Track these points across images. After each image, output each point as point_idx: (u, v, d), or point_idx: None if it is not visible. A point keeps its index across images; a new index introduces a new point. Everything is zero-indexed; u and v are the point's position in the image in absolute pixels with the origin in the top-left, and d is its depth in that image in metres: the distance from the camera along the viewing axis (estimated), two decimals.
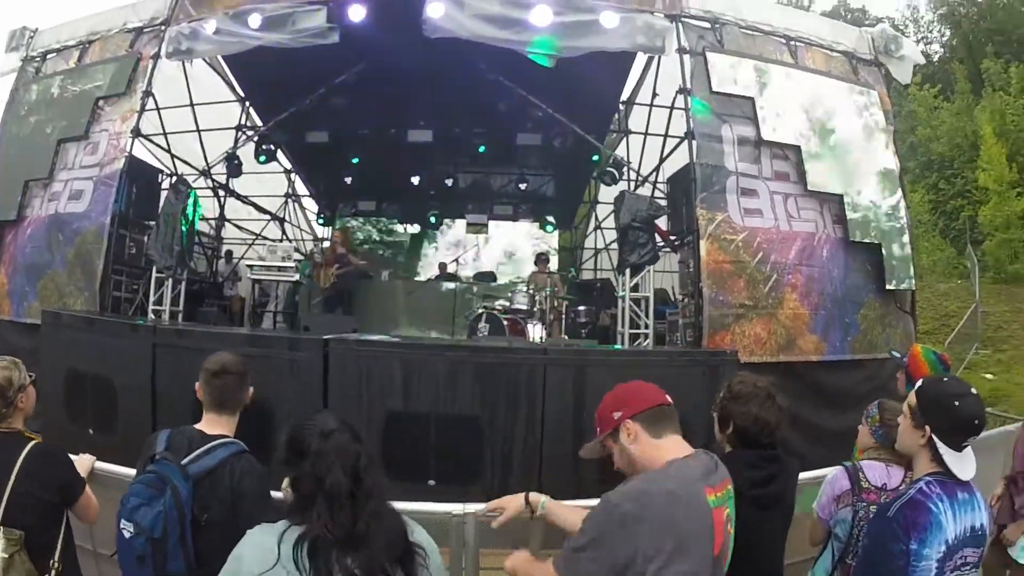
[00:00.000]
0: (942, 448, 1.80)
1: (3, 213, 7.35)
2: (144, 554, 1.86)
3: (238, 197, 10.05)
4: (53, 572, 2.12)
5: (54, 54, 7.94)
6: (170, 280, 6.69)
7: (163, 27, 6.89)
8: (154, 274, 6.69)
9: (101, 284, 6.36)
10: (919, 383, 1.97)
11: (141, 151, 7.17)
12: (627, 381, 1.86)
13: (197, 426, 2.14)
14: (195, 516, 1.91)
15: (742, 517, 1.99)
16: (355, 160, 10.20)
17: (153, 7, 7.12)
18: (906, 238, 6.58)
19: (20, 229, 7.27)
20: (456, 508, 2.56)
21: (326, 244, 10.77)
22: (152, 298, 6.69)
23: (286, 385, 4.55)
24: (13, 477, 2.10)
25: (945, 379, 2.01)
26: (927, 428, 1.82)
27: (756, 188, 5.88)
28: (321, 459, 1.47)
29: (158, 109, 7.22)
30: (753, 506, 2.05)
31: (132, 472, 2.40)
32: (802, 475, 2.88)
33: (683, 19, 6.15)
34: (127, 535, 1.89)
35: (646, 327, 6.39)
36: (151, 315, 6.61)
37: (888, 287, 6.27)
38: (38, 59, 8.05)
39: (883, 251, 6.29)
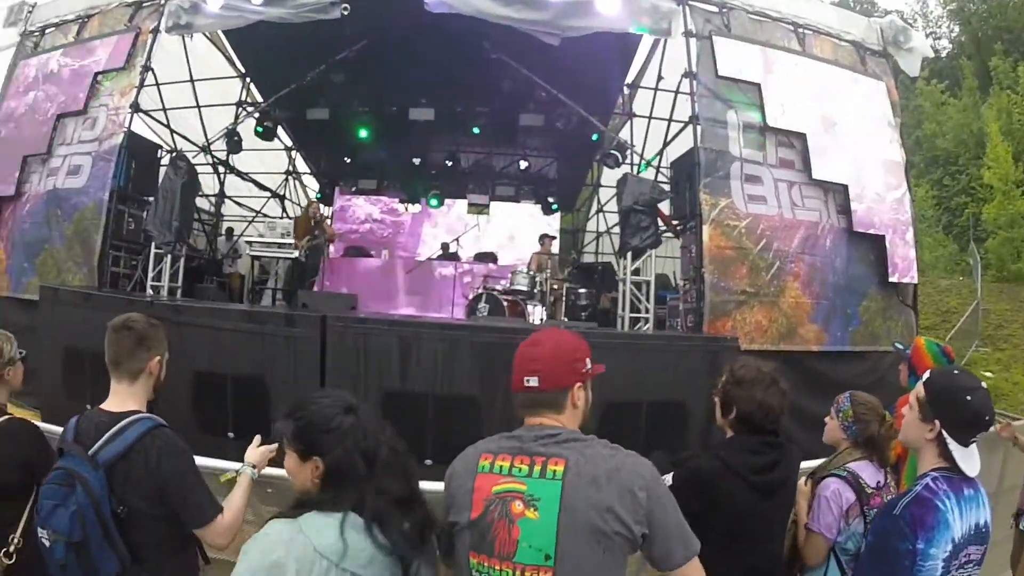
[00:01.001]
0: (951, 443, 1.73)
1: (1, 189, 7.31)
2: (66, 562, 1.67)
3: (238, 174, 9.99)
4: (12, 546, 2.03)
5: (53, 28, 7.86)
6: (169, 256, 6.66)
7: (162, 1, 6.84)
8: (153, 250, 6.66)
9: (99, 259, 6.34)
10: (927, 374, 1.89)
11: (140, 126, 7.10)
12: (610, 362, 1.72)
13: (104, 405, 1.92)
14: (114, 509, 1.72)
15: (740, 502, 2.00)
16: (356, 138, 10.02)
17: None
18: (910, 232, 6.54)
19: (19, 205, 7.23)
20: None
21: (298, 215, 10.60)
22: (151, 274, 6.66)
23: (283, 362, 4.52)
24: None
25: (956, 372, 1.89)
26: (936, 422, 1.75)
27: (760, 175, 5.83)
28: (362, 433, 1.48)
29: (157, 84, 7.15)
30: (755, 492, 2.03)
31: None
32: (804, 464, 2.84)
33: (690, 2, 6.09)
34: (46, 543, 1.71)
35: (646, 311, 6.37)
36: (150, 291, 6.59)
37: (891, 280, 6.23)
38: (37, 33, 7.98)
39: (887, 243, 6.24)
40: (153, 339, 2.00)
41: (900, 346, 3.66)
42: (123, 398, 1.91)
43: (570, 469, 1.43)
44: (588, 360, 1.61)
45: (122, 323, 1.97)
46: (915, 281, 6.63)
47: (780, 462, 2.11)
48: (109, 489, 1.72)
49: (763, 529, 2.10)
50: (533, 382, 1.54)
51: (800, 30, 6.58)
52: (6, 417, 2.19)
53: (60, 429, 2.55)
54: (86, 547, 1.67)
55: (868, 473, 2.37)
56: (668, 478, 2.06)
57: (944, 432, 1.73)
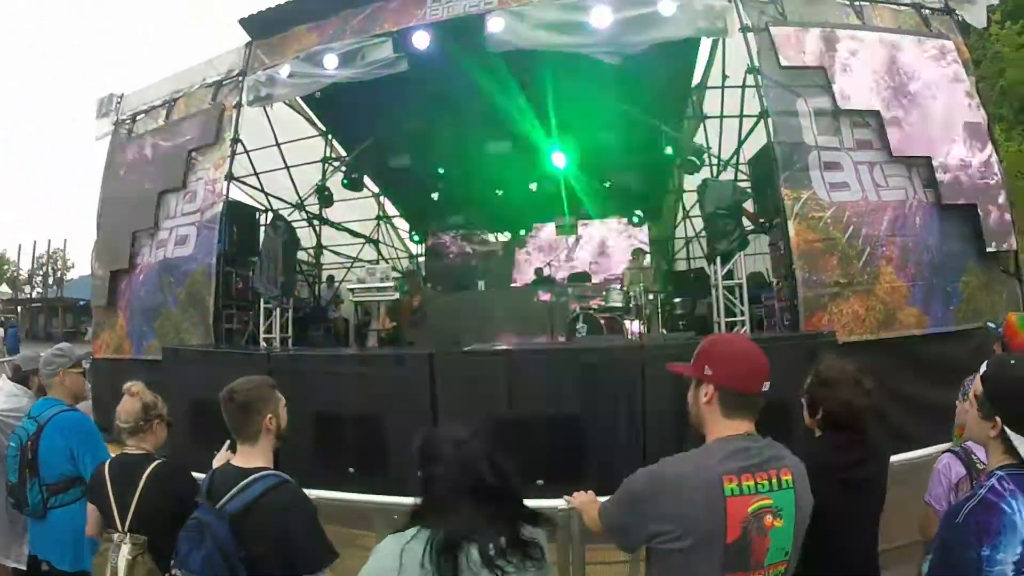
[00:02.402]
0: (1016, 439, 1.63)
1: (115, 263, 8.09)
2: None
3: (332, 225, 10.62)
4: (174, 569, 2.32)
5: (143, 115, 8.68)
6: (277, 309, 7.17)
7: (240, 77, 7.44)
8: (262, 305, 7.19)
9: (214, 319, 6.92)
10: (982, 368, 1.78)
11: (236, 193, 7.68)
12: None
13: (234, 461, 2.14)
14: (239, 553, 1.91)
15: (830, 500, 1.98)
16: (439, 177, 10.45)
17: (229, 60, 7.73)
18: (1003, 194, 6.21)
19: (133, 276, 7.99)
20: (563, 503, 2.58)
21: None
22: (262, 327, 7.19)
23: (396, 399, 4.81)
24: (139, 490, 2.40)
25: (1012, 361, 1.78)
26: (997, 419, 1.66)
27: (839, 160, 5.68)
28: (463, 465, 1.56)
29: (247, 152, 7.71)
30: (842, 489, 2.06)
31: None
32: (910, 455, 2.84)
33: None
34: None
35: (742, 314, 6.32)
36: (263, 343, 7.10)
37: (989, 250, 5.92)
38: (128, 121, 8.82)
39: (979, 212, 5.95)
40: (257, 402, 2.12)
41: (992, 325, 3.53)
42: (248, 456, 2.11)
43: (795, 477, 1.64)
44: None
45: (227, 396, 2.12)
46: (1015, 248, 6.27)
47: (867, 459, 2.16)
48: (237, 537, 1.91)
49: (852, 525, 2.14)
50: (767, 386, 1.66)
51: (856, 3, 6.40)
52: (160, 460, 2.51)
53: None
54: None
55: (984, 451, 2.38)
56: None
57: (1007, 429, 1.64)
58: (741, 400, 1.68)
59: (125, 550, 2.33)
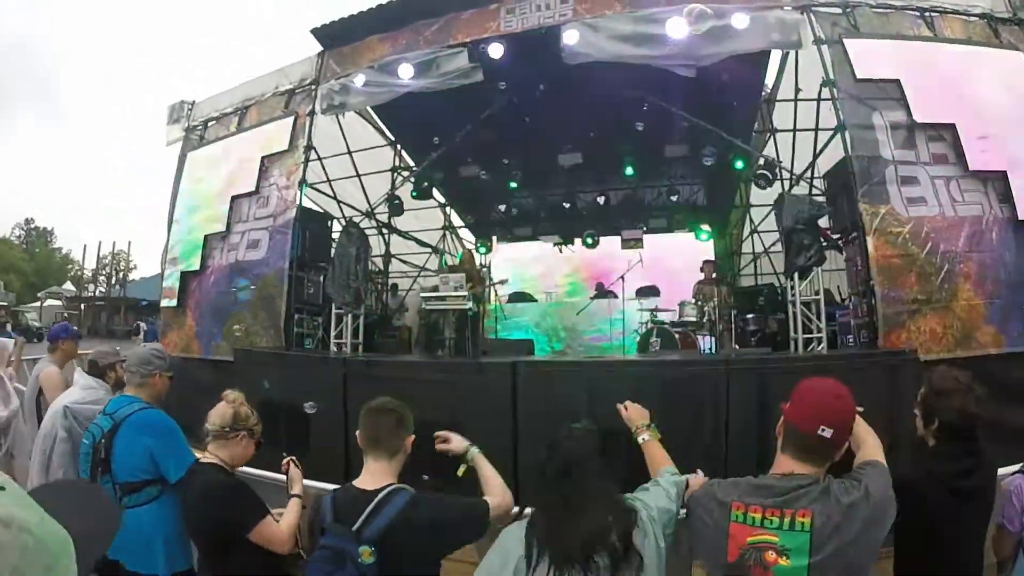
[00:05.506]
0: None
1: (187, 265, 8.36)
2: None
3: (401, 234, 10.81)
4: None
5: (214, 121, 8.94)
6: (349, 315, 7.34)
7: (313, 86, 7.62)
8: (333, 310, 7.36)
9: (285, 322, 7.10)
10: None
11: (308, 200, 7.85)
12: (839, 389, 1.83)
13: (357, 482, 2.07)
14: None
15: (945, 510, 2.12)
16: (507, 189, 10.50)
17: (301, 69, 7.92)
18: None
19: (204, 278, 8.24)
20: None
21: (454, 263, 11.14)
22: (333, 332, 7.36)
23: (475, 408, 4.88)
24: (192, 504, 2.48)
25: None
26: None
27: (916, 175, 5.61)
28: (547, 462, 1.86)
29: (320, 159, 7.88)
30: (955, 498, 2.14)
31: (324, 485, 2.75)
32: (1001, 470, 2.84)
33: (813, 8, 6.02)
34: None
35: (819, 330, 6.27)
36: (333, 348, 7.27)
37: None
38: (200, 127, 9.09)
39: None
40: (409, 419, 2.19)
41: None
42: (378, 476, 2.07)
43: (818, 521, 1.63)
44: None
45: (381, 406, 2.16)
46: None
47: (979, 468, 2.22)
48: (380, 563, 1.85)
49: (961, 534, 2.20)
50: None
51: (927, 14, 6.30)
52: (213, 476, 2.51)
53: (257, 472, 2.93)
54: None
55: None
56: None
57: None
58: (797, 439, 1.77)
59: None
